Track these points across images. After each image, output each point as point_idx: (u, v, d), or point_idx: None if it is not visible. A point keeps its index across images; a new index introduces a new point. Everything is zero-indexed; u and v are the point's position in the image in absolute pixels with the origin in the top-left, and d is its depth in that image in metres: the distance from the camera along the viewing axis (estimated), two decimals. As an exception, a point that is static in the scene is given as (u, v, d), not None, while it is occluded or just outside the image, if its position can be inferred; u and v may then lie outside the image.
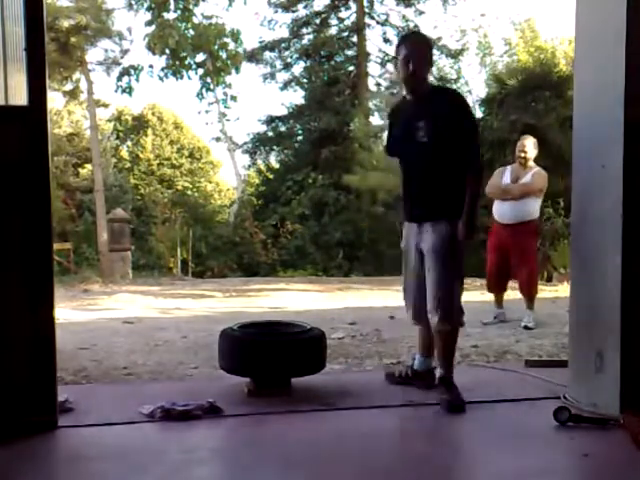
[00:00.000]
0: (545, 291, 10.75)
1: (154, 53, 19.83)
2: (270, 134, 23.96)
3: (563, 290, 10.14)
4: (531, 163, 6.47)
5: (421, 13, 23.37)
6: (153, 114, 29.84)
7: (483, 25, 26.74)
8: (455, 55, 24.20)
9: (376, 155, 18.45)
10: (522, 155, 6.42)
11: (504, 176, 6.41)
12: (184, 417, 3.50)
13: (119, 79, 19.90)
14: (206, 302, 10.03)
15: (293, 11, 23.57)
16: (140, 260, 19.61)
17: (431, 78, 23.15)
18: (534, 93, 16.77)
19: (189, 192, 27.28)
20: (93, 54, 22.80)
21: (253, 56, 23.41)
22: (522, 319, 6.49)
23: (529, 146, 6.46)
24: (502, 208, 6.35)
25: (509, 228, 6.29)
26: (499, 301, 6.73)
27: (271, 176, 23.99)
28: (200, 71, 21.37)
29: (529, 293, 6.50)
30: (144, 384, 4.52)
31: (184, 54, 20.14)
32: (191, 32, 20.23)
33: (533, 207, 6.34)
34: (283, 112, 23.86)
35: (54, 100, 21.04)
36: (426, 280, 3.78)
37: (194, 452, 3.10)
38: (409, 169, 3.93)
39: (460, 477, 2.89)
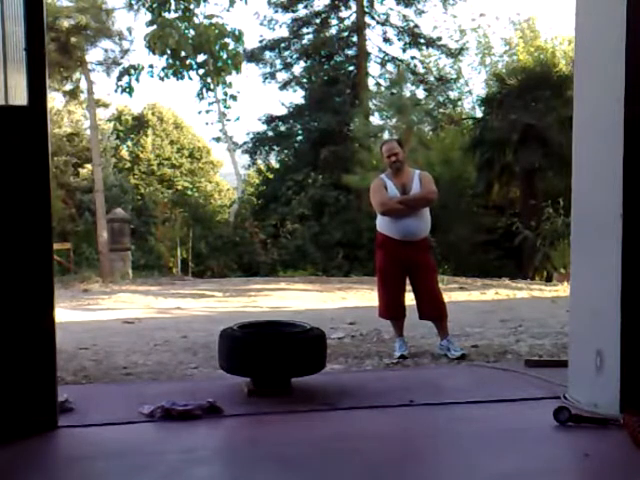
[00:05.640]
0: (545, 291, 10.77)
1: (154, 53, 19.81)
2: (270, 134, 23.95)
3: (563, 290, 10.15)
4: (405, 167, 5.44)
5: (421, 13, 23.39)
6: (153, 114, 29.83)
7: (483, 25, 26.77)
8: (455, 55, 24.22)
9: (376, 155, 18.44)
10: (393, 159, 5.28)
11: (388, 189, 5.28)
12: (184, 417, 3.50)
13: (119, 79, 19.87)
14: (206, 302, 10.04)
15: (293, 11, 23.56)
16: (140, 260, 19.61)
17: (431, 78, 22.96)
18: (534, 93, 16.79)
19: (189, 192, 27.28)
20: (93, 54, 22.76)
21: (253, 56, 23.41)
22: (446, 350, 5.29)
23: (397, 147, 5.39)
24: (402, 224, 5.23)
25: (409, 245, 5.25)
26: (400, 327, 5.47)
27: (271, 176, 23.98)
28: (200, 71, 21.37)
29: (440, 314, 5.37)
30: (144, 384, 4.52)
31: (185, 54, 20.12)
32: (192, 32, 20.21)
33: (429, 219, 5.41)
34: (283, 112, 23.89)
35: (54, 100, 21.05)
36: None
37: (194, 452, 3.11)
38: None
39: (460, 477, 2.89)
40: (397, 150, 5.33)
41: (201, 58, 21.01)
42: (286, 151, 24.17)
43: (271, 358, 3.89)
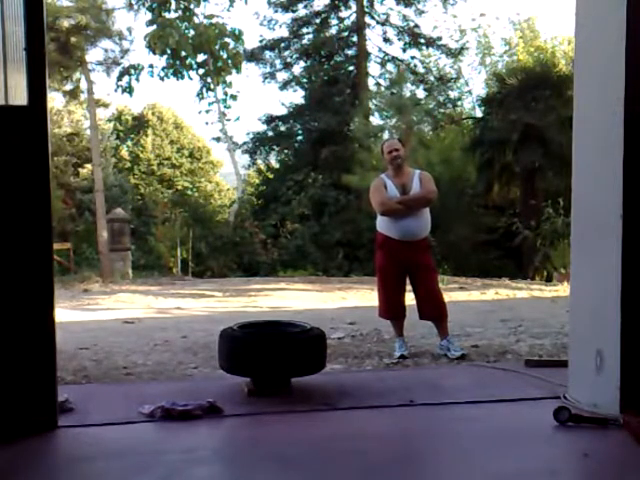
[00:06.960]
0: (545, 291, 10.77)
1: (155, 53, 19.83)
2: (270, 134, 23.94)
3: (563, 290, 10.15)
4: (405, 166, 5.41)
5: (421, 13, 23.38)
6: (153, 114, 29.83)
7: (483, 25, 26.71)
8: (455, 55, 24.22)
9: (376, 155, 18.45)
10: (394, 154, 5.24)
11: (388, 188, 5.24)
12: (184, 417, 3.50)
13: (119, 79, 19.91)
14: (206, 302, 10.04)
15: (293, 11, 23.56)
16: (140, 260, 19.62)
17: (431, 78, 22.96)
18: (534, 93, 16.78)
19: (189, 192, 27.30)
20: (93, 54, 22.75)
21: (253, 56, 23.41)
22: (446, 350, 5.26)
23: (399, 144, 5.40)
24: (402, 224, 5.19)
25: (409, 245, 5.22)
26: (400, 327, 5.45)
27: (271, 176, 23.98)
28: (200, 71, 21.38)
29: (440, 314, 5.34)
30: (144, 384, 4.52)
31: (185, 54, 20.13)
32: (192, 32, 20.23)
33: (429, 219, 5.36)
34: (283, 112, 23.89)
35: (54, 100, 21.04)
36: None
37: (194, 452, 3.11)
38: None
39: (460, 477, 2.89)
40: (398, 146, 5.34)
41: (201, 58, 21.05)
42: (286, 151, 24.17)
43: (271, 358, 3.89)
